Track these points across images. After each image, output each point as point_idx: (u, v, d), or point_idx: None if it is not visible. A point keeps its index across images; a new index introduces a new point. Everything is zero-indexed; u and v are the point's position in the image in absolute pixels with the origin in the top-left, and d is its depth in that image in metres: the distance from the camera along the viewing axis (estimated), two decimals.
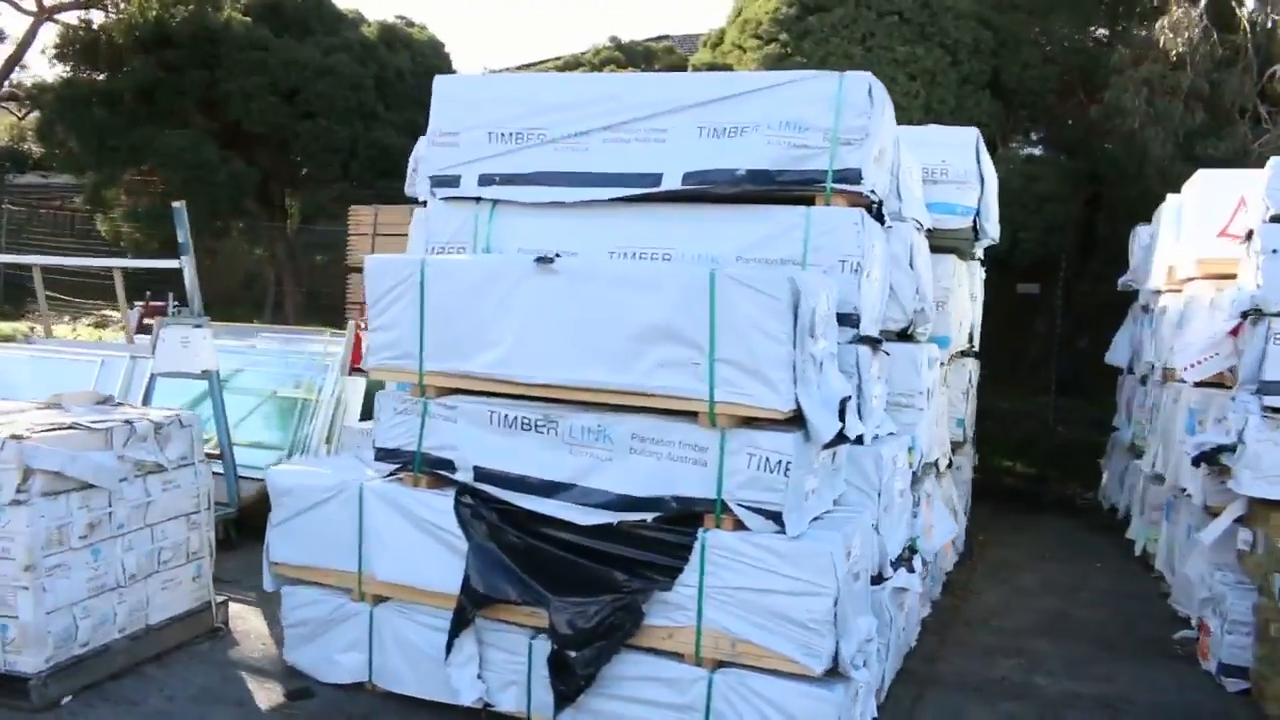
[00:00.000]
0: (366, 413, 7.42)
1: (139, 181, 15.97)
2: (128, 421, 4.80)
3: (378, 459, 4.62)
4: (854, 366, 4.64)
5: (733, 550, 3.99)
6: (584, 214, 4.85)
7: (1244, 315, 5.51)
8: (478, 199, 5.06)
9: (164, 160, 14.55)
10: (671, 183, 4.71)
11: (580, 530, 4.19)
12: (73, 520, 4.48)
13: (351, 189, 15.36)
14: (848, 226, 4.62)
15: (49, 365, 7.75)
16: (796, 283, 3.86)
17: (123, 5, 16.16)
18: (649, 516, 4.10)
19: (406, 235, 10.39)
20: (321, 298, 15.80)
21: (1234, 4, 10.46)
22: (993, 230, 6.88)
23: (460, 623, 4.34)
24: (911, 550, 5.42)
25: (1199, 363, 6.05)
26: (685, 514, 4.08)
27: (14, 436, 4.32)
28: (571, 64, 17.02)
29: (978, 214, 6.40)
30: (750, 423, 4.02)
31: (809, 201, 4.66)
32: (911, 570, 5.23)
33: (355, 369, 7.53)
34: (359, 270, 10.82)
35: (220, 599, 5.36)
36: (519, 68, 19.51)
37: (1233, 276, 6.68)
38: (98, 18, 16.60)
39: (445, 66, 17.66)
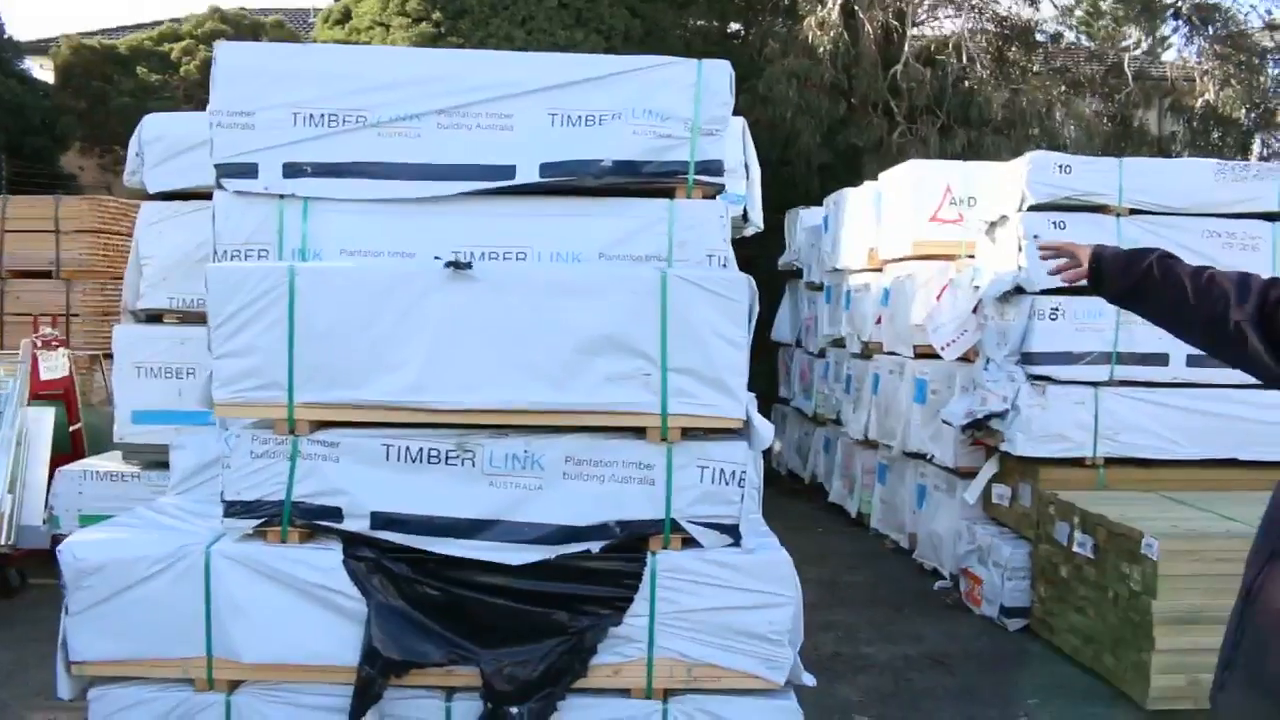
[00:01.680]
0: (58, 448, 6.13)
1: None
2: None
3: (229, 515, 3.74)
4: None
5: (686, 571, 3.71)
6: (421, 209, 4.23)
7: (1005, 294, 6.08)
8: (282, 195, 4.27)
9: None
10: (527, 175, 4.25)
11: (510, 571, 3.69)
12: None
13: None
14: (713, 220, 4.43)
15: None
16: (752, 284, 3.65)
17: None
18: (592, 546, 3.70)
19: (50, 232, 8.83)
20: None
21: (856, 7, 11.55)
22: (756, 218, 7.02)
23: (365, 698, 3.66)
24: None
25: (954, 341, 6.62)
26: (629, 539, 3.74)
27: None
28: (170, 34, 15.15)
29: (746, 202, 6.49)
30: (691, 434, 3.76)
31: (666, 194, 4.45)
32: None
33: (38, 397, 6.17)
34: None
35: None
36: (95, 34, 17.03)
37: (946, 257, 7.40)
38: None
39: None
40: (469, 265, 3.64)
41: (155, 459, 5.46)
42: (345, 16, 13.40)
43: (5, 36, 15.23)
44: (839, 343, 9.30)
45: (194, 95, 14.53)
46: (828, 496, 9.36)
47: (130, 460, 5.62)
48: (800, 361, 10.77)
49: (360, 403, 3.67)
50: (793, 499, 9.67)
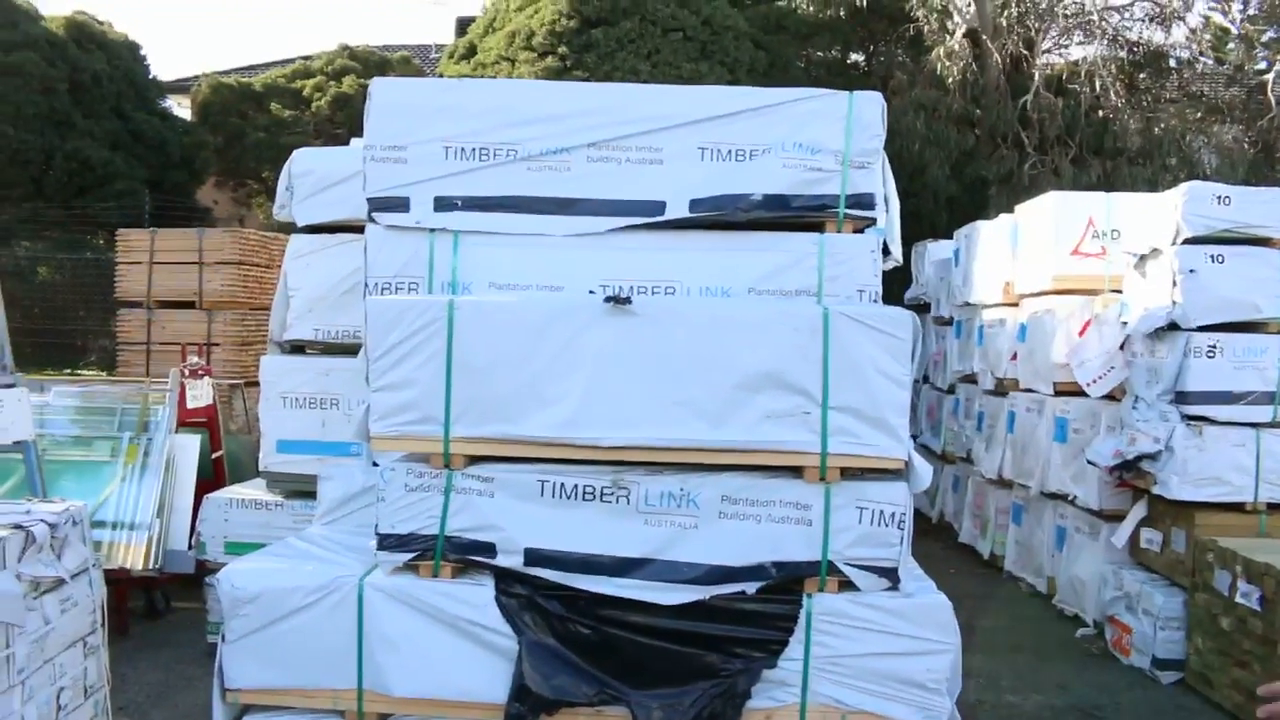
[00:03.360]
0: (202, 475, 6.29)
1: None
2: (19, 527, 3.63)
3: (383, 548, 3.77)
4: None
5: (842, 615, 3.61)
6: (569, 243, 4.23)
7: (1157, 331, 5.82)
8: (433, 228, 4.32)
9: None
10: (678, 210, 4.22)
11: (662, 611, 3.63)
12: None
13: (45, 207, 13.23)
14: (864, 255, 4.36)
15: None
16: (917, 320, 3.55)
17: None
18: (748, 587, 3.61)
19: (194, 264, 9.17)
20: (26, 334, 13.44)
21: (985, 38, 11.33)
22: (896, 252, 6.88)
23: None
24: None
25: (1101, 377, 6.36)
26: (784, 581, 3.65)
27: None
28: (303, 71, 15.69)
29: (886, 236, 6.37)
30: (849, 474, 3.65)
31: (816, 228, 4.36)
32: None
33: (184, 424, 6.35)
34: (135, 304, 9.26)
35: None
36: (231, 72, 17.76)
37: (1088, 292, 7.13)
38: None
39: (142, 70, 15.71)
40: (628, 300, 3.61)
41: (298, 488, 5.56)
42: (470, 52, 13.70)
43: (150, 77, 15.96)
44: (969, 379, 9.05)
45: (324, 129, 15.00)
46: (957, 537, 9.09)
47: (273, 489, 5.72)
48: (928, 398, 10.52)
49: (516, 438, 3.66)
50: (920, 539, 9.28)
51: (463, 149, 4.27)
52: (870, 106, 4.30)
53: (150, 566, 5.72)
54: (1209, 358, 5.82)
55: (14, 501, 4.29)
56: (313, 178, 5.75)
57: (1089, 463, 6.43)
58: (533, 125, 4.25)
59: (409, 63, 16.04)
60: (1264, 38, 14.41)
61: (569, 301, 3.80)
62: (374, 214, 4.35)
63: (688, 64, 11.11)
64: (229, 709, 3.90)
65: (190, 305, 9.19)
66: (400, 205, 4.31)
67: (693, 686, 3.58)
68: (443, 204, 4.30)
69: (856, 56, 13.04)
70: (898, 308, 3.78)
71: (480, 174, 4.28)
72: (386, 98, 4.37)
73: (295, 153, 5.92)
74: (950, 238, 9.60)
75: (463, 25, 16.61)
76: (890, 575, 3.63)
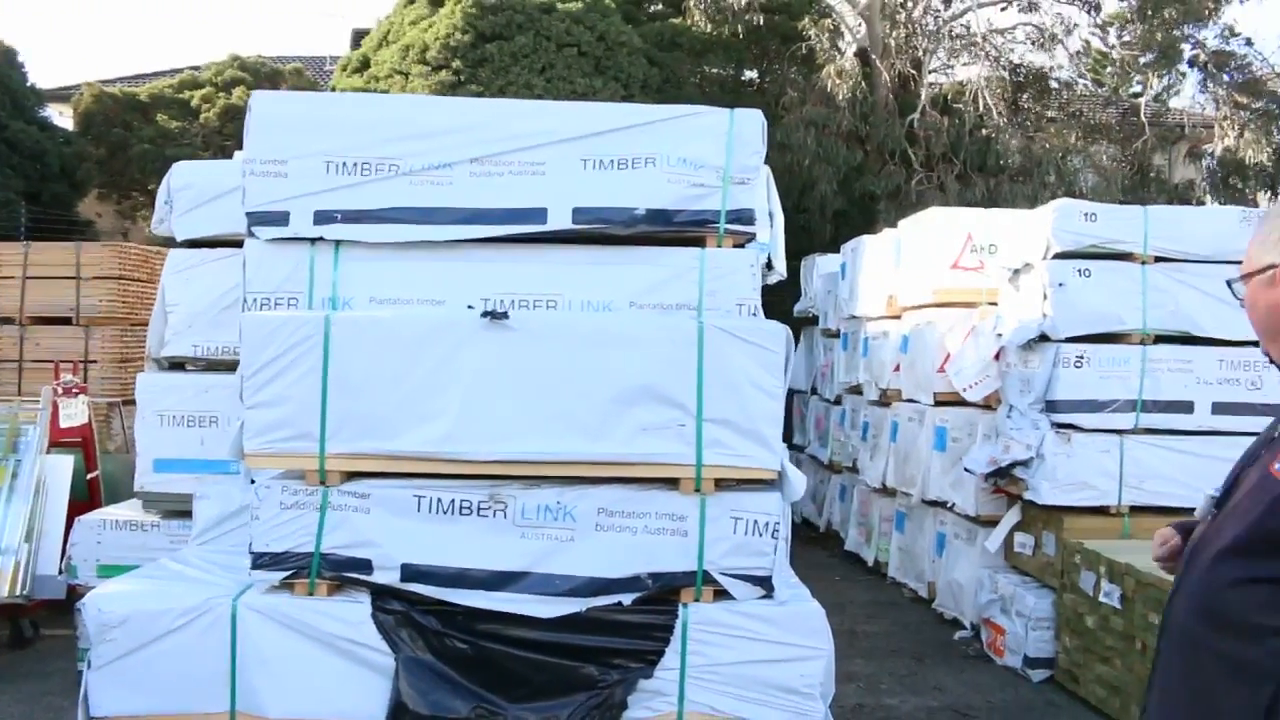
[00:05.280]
0: (76, 497, 6.10)
1: None
2: None
3: (257, 566, 3.71)
4: None
5: (718, 623, 3.68)
6: (451, 256, 4.24)
7: (1029, 342, 6.05)
8: (314, 240, 4.28)
9: None
10: (560, 219, 4.26)
11: (539, 624, 3.65)
12: None
13: None
14: (744, 269, 4.44)
15: None
16: (789, 334, 3.64)
17: None
18: (624, 599, 3.65)
19: (70, 278, 8.87)
20: None
21: (875, 57, 11.65)
22: (780, 266, 7.02)
23: None
24: None
25: (976, 384, 6.57)
26: (661, 591, 3.70)
27: None
28: (191, 82, 15.31)
29: (770, 250, 6.50)
30: (724, 485, 3.72)
31: (698, 243, 4.45)
32: None
33: (57, 445, 6.15)
34: (6, 321, 8.91)
35: None
36: (115, 81, 17.24)
37: (967, 304, 7.37)
38: None
39: (20, 77, 15.16)
40: (505, 315, 3.63)
41: (176, 508, 5.42)
42: (364, 65, 13.56)
43: (28, 84, 15.42)
44: (856, 390, 9.25)
45: (213, 142, 14.67)
46: (844, 544, 9.27)
47: (150, 509, 5.57)
48: (816, 409, 10.72)
49: (392, 453, 3.65)
50: (808, 546, 9.55)
51: (344, 164, 4.25)
52: (750, 124, 4.40)
53: (18, 593, 5.50)
54: (1077, 368, 6.06)
55: None
56: (192, 191, 5.63)
57: (966, 470, 6.63)
58: (415, 140, 4.25)
59: (301, 74, 15.80)
60: (1140, 62, 15.10)
61: (446, 317, 3.81)
62: (253, 228, 4.30)
63: (582, 79, 11.18)
64: None
65: (66, 321, 8.88)
66: (280, 219, 4.26)
67: (570, 698, 3.61)
68: (323, 217, 4.26)
69: (750, 74, 13.28)
70: (772, 321, 3.88)
71: (361, 188, 4.26)
72: (267, 111, 4.33)
73: (174, 166, 5.79)
74: (837, 251, 9.81)
75: (358, 37, 16.43)
76: (764, 584, 3.71)
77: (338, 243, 4.25)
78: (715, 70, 12.91)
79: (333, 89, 13.98)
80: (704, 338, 3.60)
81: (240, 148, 4.61)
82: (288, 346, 3.64)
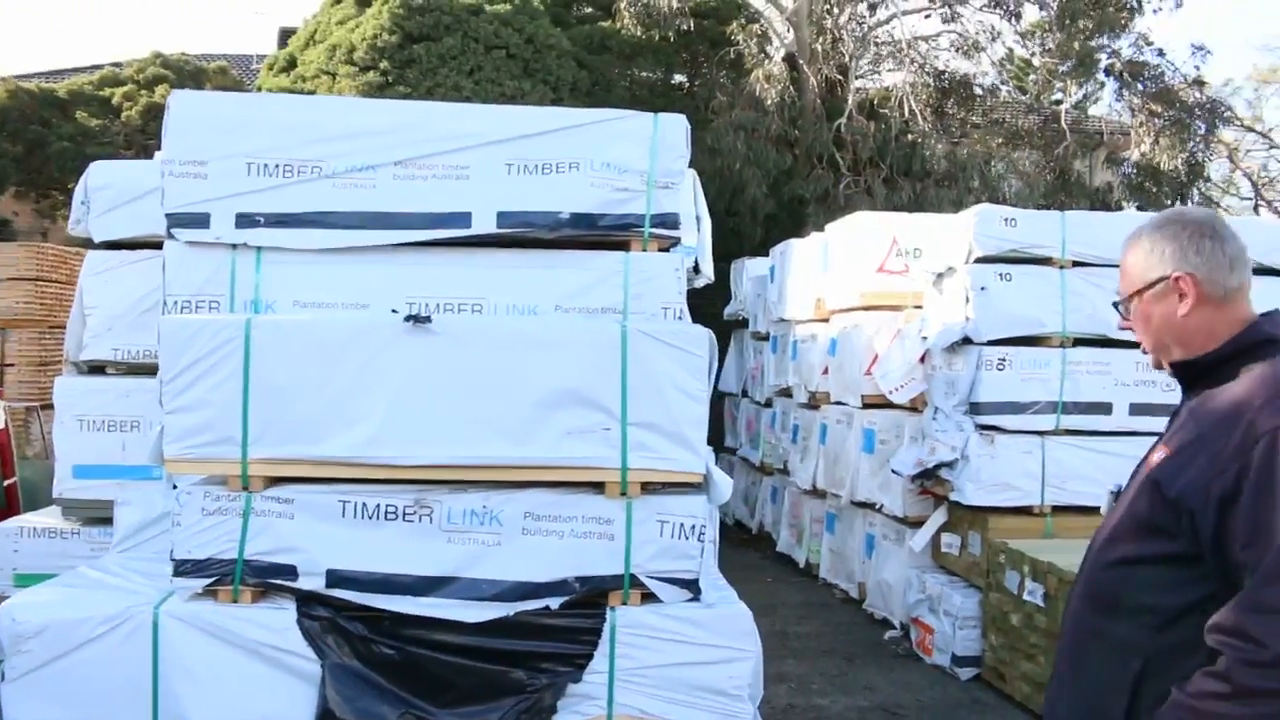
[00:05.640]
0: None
1: None
2: None
3: (179, 573, 3.65)
4: None
5: (646, 626, 3.70)
6: (375, 260, 4.22)
7: (953, 345, 6.18)
8: (234, 244, 4.23)
9: None
10: (484, 224, 4.26)
11: (467, 629, 3.64)
12: None
13: None
14: (669, 273, 4.48)
15: None
16: (713, 338, 3.68)
17: None
18: (551, 603, 3.67)
19: (15, 279, 8.62)
20: None
21: (802, 63, 11.79)
22: (708, 269, 7.07)
23: None
24: None
25: (902, 386, 6.70)
26: (588, 595, 3.72)
27: None
28: (111, 79, 14.95)
29: (697, 254, 6.55)
30: (650, 489, 3.76)
31: (623, 246, 4.48)
32: None
33: None
34: None
35: None
36: (32, 76, 16.77)
37: (893, 308, 7.50)
38: None
39: None
40: (428, 319, 3.62)
41: (96, 515, 5.30)
42: (290, 64, 13.36)
43: None
44: (786, 392, 9.35)
45: (134, 141, 14.35)
46: (776, 546, 9.37)
47: (70, 516, 5.43)
48: (747, 411, 10.81)
49: (316, 458, 3.62)
50: (740, 549, 9.65)
51: (266, 165, 4.20)
52: (675, 128, 4.43)
53: None
54: (999, 370, 6.21)
55: None
56: (111, 191, 5.50)
57: (893, 472, 6.75)
58: (338, 142, 4.21)
59: (226, 73, 15.51)
60: (1060, 69, 15.47)
61: (369, 320, 3.79)
62: (173, 230, 4.23)
63: (510, 81, 11.14)
64: None
65: None
66: (200, 221, 4.20)
67: (499, 703, 3.62)
68: (245, 220, 4.21)
69: (680, 77, 13.36)
70: (696, 325, 3.92)
71: (284, 190, 4.21)
72: (187, 111, 4.27)
73: (91, 165, 5.66)
74: (768, 255, 9.91)
75: (285, 36, 16.21)
76: (691, 586, 3.74)
77: (259, 247, 4.21)
78: (645, 74, 12.96)
79: (259, 88, 13.78)
80: (628, 342, 3.62)
81: (162, 147, 4.54)
82: (208, 350, 3.60)
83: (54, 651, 3.61)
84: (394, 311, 3.80)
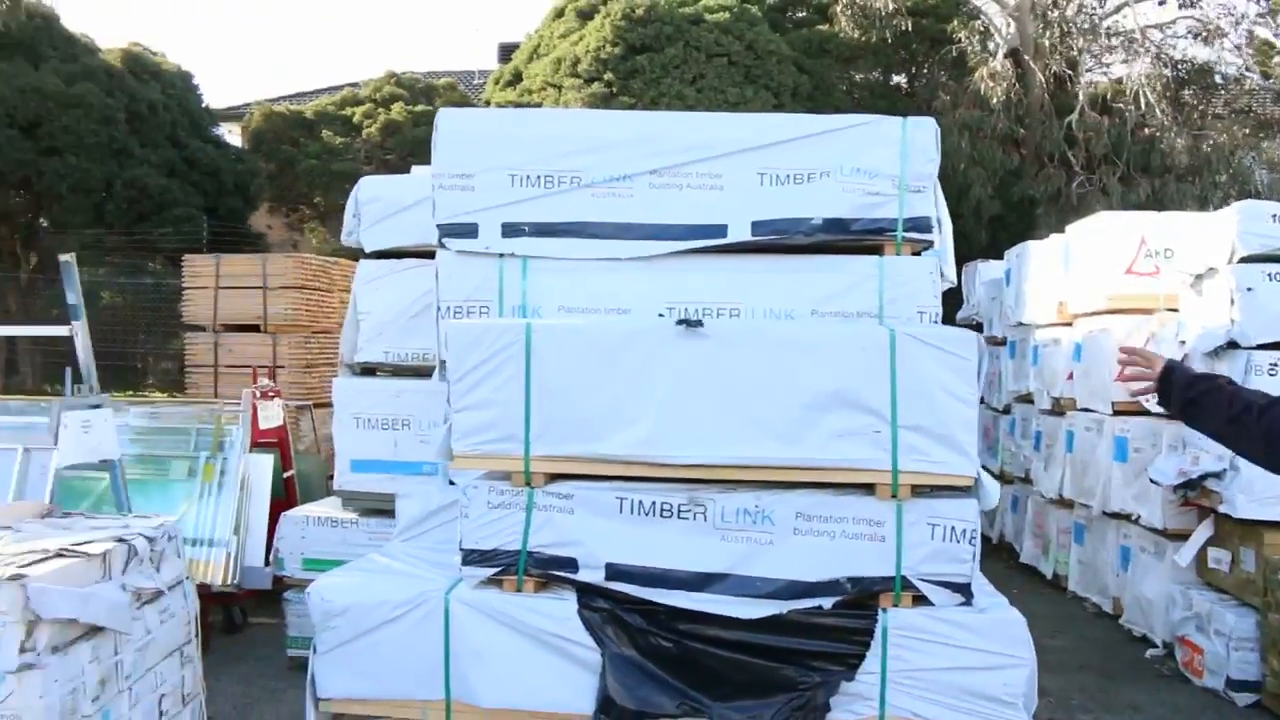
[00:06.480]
0: (274, 494, 6.46)
1: None
2: (121, 540, 3.80)
3: (467, 563, 3.90)
4: None
5: (918, 629, 3.69)
6: (634, 266, 4.39)
7: (1217, 349, 5.85)
8: (501, 254, 4.47)
9: None
10: (740, 234, 4.36)
11: (741, 625, 3.73)
12: (85, 680, 3.46)
13: (106, 234, 13.60)
14: (924, 277, 4.48)
15: None
16: (981, 341, 3.64)
17: None
18: (824, 602, 3.71)
19: (258, 288, 9.41)
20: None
21: (1027, 58, 11.39)
22: (950, 273, 6.95)
23: None
24: None
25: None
26: (859, 596, 3.73)
27: (12, 576, 3.28)
28: (351, 99, 16.02)
29: (940, 257, 6.44)
30: (920, 491, 3.74)
31: (875, 250, 4.47)
32: None
33: (255, 445, 6.53)
34: (200, 328, 9.52)
35: None
36: (281, 99, 18.14)
37: (1142, 311, 7.15)
38: None
39: (196, 99, 16.10)
40: (700, 323, 3.73)
41: (373, 506, 5.71)
42: (516, 78, 13.93)
43: (203, 105, 16.35)
44: (1025, 398, 9.06)
45: (374, 156, 15.28)
46: (1019, 557, 9.06)
47: (349, 507, 5.87)
48: (984, 417, 10.50)
49: (595, 456, 3.78)
50: (983, 559, 9.28)
51: (528, 176, 4.44)
52: (924, 131, 4.43)
53: (229, 582, 5.88)
54: (1270, 375, 5.82)
55: (113, 515, 4.48)
56: (379, 204, 5.91)
57: (1152, 481, 6.43)
58: (594, 153, 4.41)
59: (454, 89, 16.32)
60: None
61: (642, 324, 3.93)
62: (444, 240, 4.53)
63: (733, 89, 11.25)
64: (321, 718, 4.04)
65: (255, 329, 9.44)
66: (469, 231, 4.48)
67: (773, 699, 3.67)
68: (510, 230, 4.46)
69: (899, 78, 13.14)
70: (962, 329, 3.88)
71: (545, 200, 4.45)
72: (452, 128, 4.55)
73: (361, 180, 6.09)
74: (995, 257, 9.64)
75: (506, 51, 16.90)
76: (963, 590, 3.71)
77: (525, 255, 4.44)
78: (864, 76, 12.82)
79: (486, 102, 14.41)
80: (896, 345, 3.63)
81: (401, 161, 4.85)
82: (492, 353, 3.82)
83: (357, 629, 3.91)
84: (662, 316, 3.93)
